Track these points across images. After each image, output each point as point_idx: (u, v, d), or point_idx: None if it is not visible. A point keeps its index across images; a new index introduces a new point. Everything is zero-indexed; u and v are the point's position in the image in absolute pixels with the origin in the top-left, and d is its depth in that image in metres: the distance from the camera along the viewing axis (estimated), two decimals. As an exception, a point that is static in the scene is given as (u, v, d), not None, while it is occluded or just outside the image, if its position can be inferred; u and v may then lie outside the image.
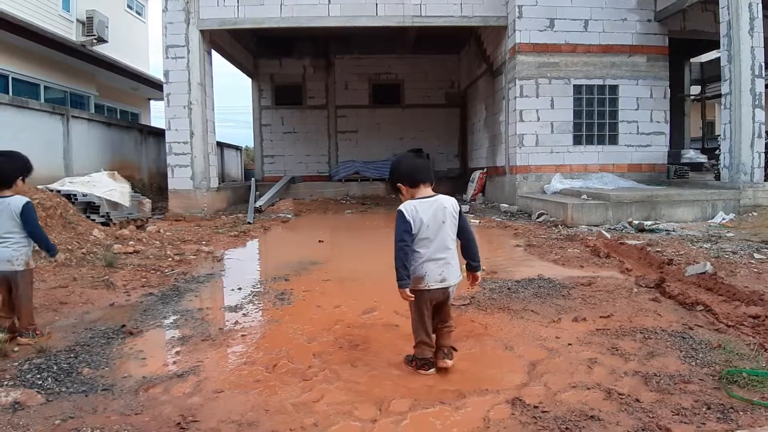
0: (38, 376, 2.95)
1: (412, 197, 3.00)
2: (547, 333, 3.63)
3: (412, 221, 2.89)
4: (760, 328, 3.48)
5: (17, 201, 3.52)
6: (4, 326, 3.49)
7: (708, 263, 5.11)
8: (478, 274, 3.14)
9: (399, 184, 3.05)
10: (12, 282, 3.54)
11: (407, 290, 2.90)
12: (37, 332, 3.60)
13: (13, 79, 13.53)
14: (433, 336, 3.05)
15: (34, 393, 2.71)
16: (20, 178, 3.64)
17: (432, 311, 3.03)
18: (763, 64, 9.60)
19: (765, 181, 9.77)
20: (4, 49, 12.93)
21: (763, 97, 9.66)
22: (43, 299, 4.50)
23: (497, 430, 2.34)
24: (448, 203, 2.98)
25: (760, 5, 9.54)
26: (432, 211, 2.92)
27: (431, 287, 2.93)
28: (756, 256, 5.88)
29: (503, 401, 2.60)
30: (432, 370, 2.98)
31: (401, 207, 2.95)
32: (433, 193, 3.01)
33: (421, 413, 2.52)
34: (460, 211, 3.02)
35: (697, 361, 3.02)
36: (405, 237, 2.88)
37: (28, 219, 3.54)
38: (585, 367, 3.01)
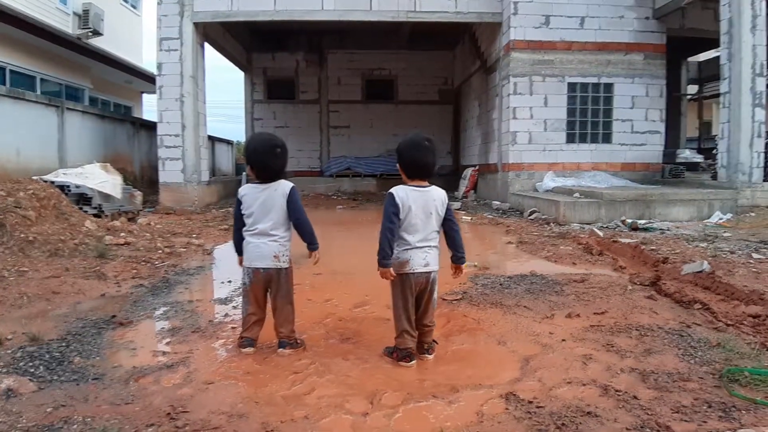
0: (31, 364, 2.92)
1: (406, 183, 3.04)
2: (540, 329, 3.60)
3: (401, 205, 2.93)
4: (760, 328, 3.44)
5: (285, 185, 3.14)
6: (254, 336, 3.17)
7: (705, 262, 5.08)
8: (463, 266, 3.19)
9: (398, 166, 3.08)
10: (274, 282, 3.16)
11: (390, 270, 2.93)
12: (299, 341, 3.22)
13: (10, 71, 13.47)
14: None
15: (27, 381, 2.69)
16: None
17: (415, 302, 3.03)
18: (764, 63, 9.55)
19: (764, 181, 9.76)
20: (1, 41, 12.85)
21: (764, 96, 9.63)
22: (36, 289, 4.47)
23: (491, 424, 2.30)
24: (438, 196, 3.02)
25: (763, 2, 9.48)
26: (422, 201, 2.97)
27: (415, 271, 2.96)
28: (755, 255, 5.83)
29: (497, 396, 2.57)
30: (413, 362, 2.97)
31: (393, 190, 2.99)
32: (427, 184, 3.04)
33: (414, 407, 2.48)
34: (448, 205, 3.06)
35: (696, 359, 2.99)
36: (393, 219, 2.93)
37: (297, 204, 3.15)
38: (580, 363, 2.98)
